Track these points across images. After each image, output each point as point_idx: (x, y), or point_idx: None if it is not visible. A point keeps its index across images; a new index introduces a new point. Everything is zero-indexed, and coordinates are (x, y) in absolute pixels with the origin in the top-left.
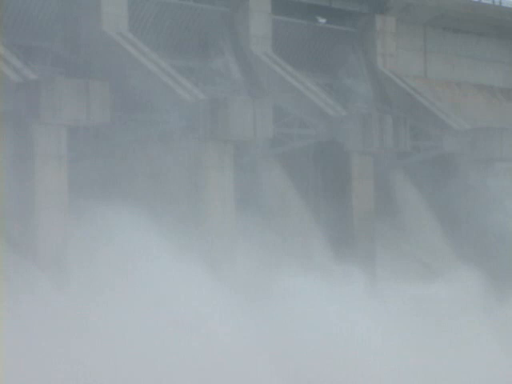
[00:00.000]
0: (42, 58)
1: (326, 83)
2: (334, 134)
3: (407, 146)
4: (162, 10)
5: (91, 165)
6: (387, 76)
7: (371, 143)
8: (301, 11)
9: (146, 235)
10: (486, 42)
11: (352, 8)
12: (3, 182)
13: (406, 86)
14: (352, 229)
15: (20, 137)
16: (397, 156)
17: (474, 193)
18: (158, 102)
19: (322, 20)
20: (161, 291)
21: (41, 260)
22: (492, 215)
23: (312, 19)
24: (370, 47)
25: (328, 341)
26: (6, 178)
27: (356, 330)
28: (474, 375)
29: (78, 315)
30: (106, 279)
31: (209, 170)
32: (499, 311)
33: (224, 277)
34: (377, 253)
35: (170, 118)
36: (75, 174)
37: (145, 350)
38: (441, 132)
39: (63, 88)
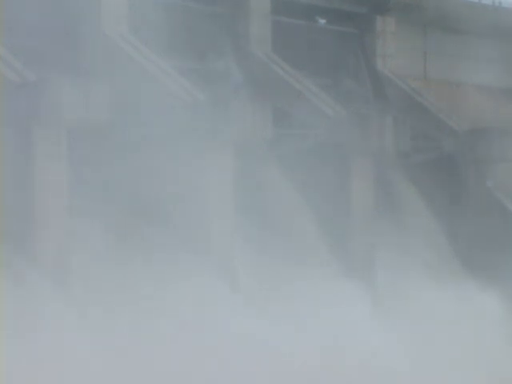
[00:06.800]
0: (42, 59)
1: (326, 84)
2: (333, 135)
3: (407, 146)
4: (162, 10)
5: (91, 165)
6: (387, 76)
7: (371, 144)
8: (301, 12)
9: (145, 235)
10: (486, 42)
11: (352, 9)
12: (3, 182)
13: (405, 86)
14: (351, 229)
15: (20, 137)
16: (397, 156)
17: (474, 193)
18: (157, 103)
19: (322, 21)
20: (162, 291)
21: (41, 261)
22: (491, 215)
23: (312, 20)
24: (370, 48)
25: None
26: (6, 179)
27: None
28: None
29: (79, 316)
30: (107, 280)
31: (208, 171)
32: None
33: (224, 277)
34: (376, 253)
35: (170, 119)
36: (75, 174)
37: (146, 352)
38: (440, 132)
39: (63, 88)
